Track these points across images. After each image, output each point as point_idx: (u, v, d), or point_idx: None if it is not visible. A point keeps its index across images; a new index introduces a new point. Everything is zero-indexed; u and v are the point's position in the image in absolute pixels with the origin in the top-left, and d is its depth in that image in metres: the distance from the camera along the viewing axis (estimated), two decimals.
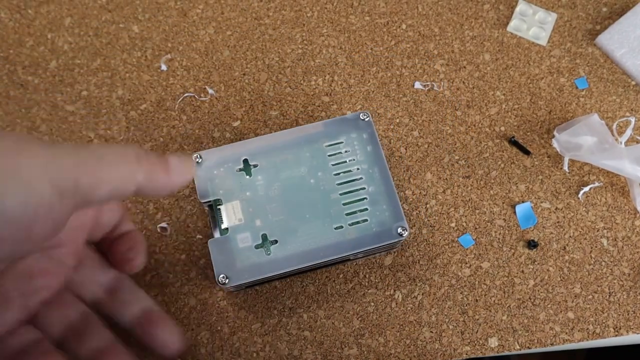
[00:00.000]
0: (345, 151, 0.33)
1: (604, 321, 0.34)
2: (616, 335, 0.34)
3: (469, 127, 0.39)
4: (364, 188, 0.33)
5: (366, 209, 0.32)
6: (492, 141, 0.39)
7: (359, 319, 0.34)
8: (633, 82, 0.41)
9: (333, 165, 0.33)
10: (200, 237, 0.36)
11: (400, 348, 0.33)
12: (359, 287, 0.35)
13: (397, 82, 0.40)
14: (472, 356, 0.33)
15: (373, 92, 0.40)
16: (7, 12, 0.43)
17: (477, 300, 0.34)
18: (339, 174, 0.33)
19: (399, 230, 0.31)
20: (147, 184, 0.24)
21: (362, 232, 0.31)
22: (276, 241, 0.31)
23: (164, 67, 0.41)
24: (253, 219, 0.32)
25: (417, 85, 0.40)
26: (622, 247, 0.36)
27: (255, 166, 0.33)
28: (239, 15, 0.43)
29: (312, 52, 0.41)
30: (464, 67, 0.41)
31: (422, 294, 0.35)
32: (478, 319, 0.34)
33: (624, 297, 0.35)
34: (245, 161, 0.33)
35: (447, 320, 0.34)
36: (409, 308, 0.34)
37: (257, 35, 0.42)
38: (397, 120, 0.39)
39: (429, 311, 0.34)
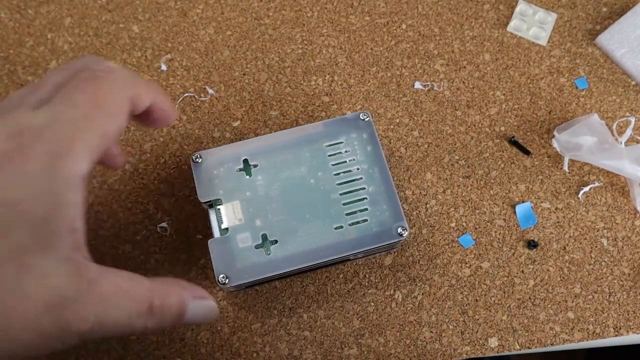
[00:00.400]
0: (345, 151, 0.33)
1: (604, 321, 0.34)
2: (616, 335, 0.34)
3: (469, 127, 0.39)
4: (364, 188, 0.33)
5: (366, 209, 0.32)
6: (492, 141, 0.39)
7: (359, 319, 0.34)
8: (633, 82, 0.41)
9: (333, 165, 0.33)
10: (200, 237, 0.36)
11: (400, 348, 0.33)
12: (359, 287, 0.35)
13: (397, 82, 0.40)
14: (472, 356, 0.33)
15: (373, 92, 0.40)
16: (7, 12, 0.43)
17: (477, 300, 0.34)
18: (339, 174, 0.33)
19: (399, 230, 0.31)
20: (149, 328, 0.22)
21: (362, 232, 0.31)
22: (276, 241, 0.31)
23: (164, 67, 0.41)
24: (253, 219, 0.32)
25: (417, 85, 0.40)
26: (622, 247, 0.36)
27: (255, 166, 0.33)
28: (239, 15, 0.43)
29: (312, 52, 0.41)
30: (464, 67, 0.41)
31: (422, 294, 0.35)
32: (478, 319, 0.34)
33: (624, 297, 0.35)
34: (245, 161, 0.33)
35: (447, 320, 0.34)
36: (409, 308, 0.34)
37: (257, 35, 0.42)
38: (397, 120, 0.39)
39: (429, 311, 0.34)
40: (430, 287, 0.35)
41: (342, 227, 0.32)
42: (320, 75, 0.41)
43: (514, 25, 0.42)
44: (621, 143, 0.36)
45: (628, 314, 0.34)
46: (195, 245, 0.36)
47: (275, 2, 0.43)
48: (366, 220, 0.32)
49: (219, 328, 0.34)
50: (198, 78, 0.41)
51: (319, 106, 0.40)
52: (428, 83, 0.40)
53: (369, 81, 0.40)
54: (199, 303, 0.24)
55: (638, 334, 0.34)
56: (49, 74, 0.24)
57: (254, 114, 0.39)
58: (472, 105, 0.40)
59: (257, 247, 0.31)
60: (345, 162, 0.33)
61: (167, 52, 0.41)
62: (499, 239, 0.36)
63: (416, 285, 0.35)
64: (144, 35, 0.42)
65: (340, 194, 0.32)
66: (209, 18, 0.43)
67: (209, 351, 0.33)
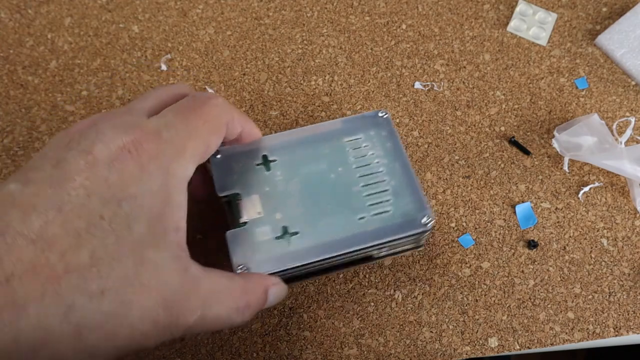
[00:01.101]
0: (365, 146, 0.33)
1: (604, 321, 0.34)
2: (616, 335, 0.34)
3: (469, 127, 0.39)
4: (385, 181, 0.32)
5: (388, 200, 0.31)
6: (492, 141, 0.39)
7: (359, 319, 0.34)
8: (633, 82, 0.41)
9: (353, 159, 0.33)
10: (200, 237, 0.36)
11: (400, 348, 0.33)
12: (359, 287, 0.35)
13: (397, 82, 0.40)
14: (472, 356, 0.33)
15: (373, 92, 0.40)
16: (7, 12, 0.43)
17: (477, 300, 0.34)
18: (359, 167, 0.32)
19: (424, 219, 0.31)
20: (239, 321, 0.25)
21: (385, 223, 0.31)
22: (297, 233, 0.31)
23: (164, 67, 0.41)
24: (273, 213, 0.31)
25: (417, 85, 0.40)
26: (622, 247, 0.36)
27: (274, 161, 0.33)
28: (239, 15, 0.43)
29: (312, 52, 0.41)
30: (464, 67, 0.41)
31: (422, 294, 0.35)
32: (478, 319, 0.34)
33: (624, 297, 0.35)
34: (265, 156, 0.33)
35: (447, 320, 0.34)
36: (409, 308, 0.34)
37: (257, 35, 0.42)
38: (397, 120, 0.39)
39: (429, 311, 0.34)
40: (430, 287, 0.35)
41: (364, 217, 0.31)
42: (320, 75, 0.41)
43: (514, 25, 0.42)
44: (621, 143, 0.36)
45: (628, 314, 0.34)
46: (195, 245, 0.35)
47: (275, 2, 0.43)
48: (389, 210, 0.31)
49: None
50: (198, 78, 0.41)
51: (319, 106, 0.40)
52: (428, 83, 0.40)
53: (369, 81, 0.40)
54: (276, 288, 0.27)
55: (638, 334, 0.34)
56: (152, 90, 0.27)
57: (254, 114, 0.39)
58: (472, 105, 0.40)
59: (277, 238, 0.31)
60: (365, 156, 0.33)
61: (167, 52, 0.41)
62: (499, 239, 0.36)
63: (416, 285, 0.35)
64: (144, 35, 0.42)
65: (362, 186, 0.32)
66: (209, 18, 0.43)
67: (209, 351, 0.33)
